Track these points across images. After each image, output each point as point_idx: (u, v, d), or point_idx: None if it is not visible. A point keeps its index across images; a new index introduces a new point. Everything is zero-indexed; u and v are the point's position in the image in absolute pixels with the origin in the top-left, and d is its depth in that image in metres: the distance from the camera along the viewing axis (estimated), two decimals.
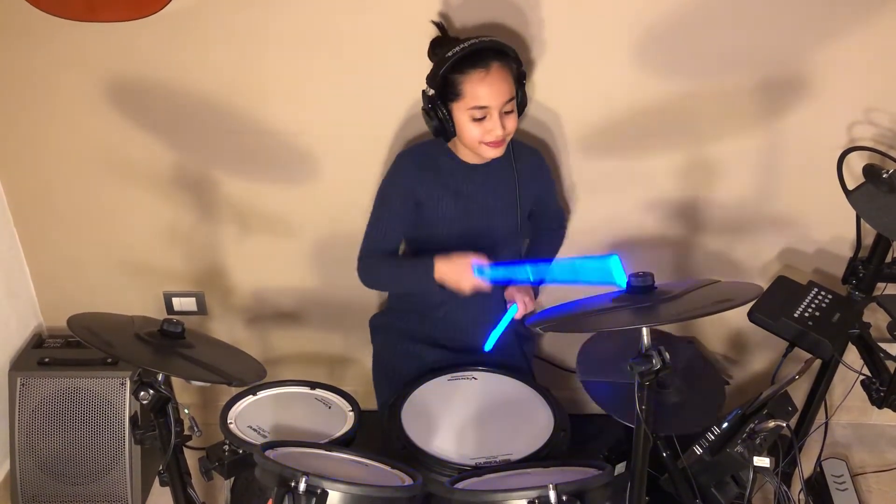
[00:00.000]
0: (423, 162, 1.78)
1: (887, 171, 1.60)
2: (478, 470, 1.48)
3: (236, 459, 1.55)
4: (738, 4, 1.77)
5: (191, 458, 1.54)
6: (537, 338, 2.21)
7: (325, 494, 1.22)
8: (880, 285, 1.81)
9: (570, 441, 1.62)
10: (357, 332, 2.20)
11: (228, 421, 1.63)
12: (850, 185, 1.63)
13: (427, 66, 1.67)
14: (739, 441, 1.48)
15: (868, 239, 1.77)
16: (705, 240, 2.10)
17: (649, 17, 1.79)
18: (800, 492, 1.90)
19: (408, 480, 1.39)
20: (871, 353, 1.77)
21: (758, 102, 1.89)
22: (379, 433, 1.71)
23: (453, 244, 1.73)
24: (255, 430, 1.62)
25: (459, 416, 1.67)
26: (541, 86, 1.88)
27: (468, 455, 1.55)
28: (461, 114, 1.64)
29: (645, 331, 1.31)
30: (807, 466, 2.11)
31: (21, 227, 2.13)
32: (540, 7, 1.79)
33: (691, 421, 1.58)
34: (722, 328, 2.26)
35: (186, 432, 1.51)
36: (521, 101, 1.69)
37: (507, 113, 1.66)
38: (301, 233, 2.12)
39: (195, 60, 1.87)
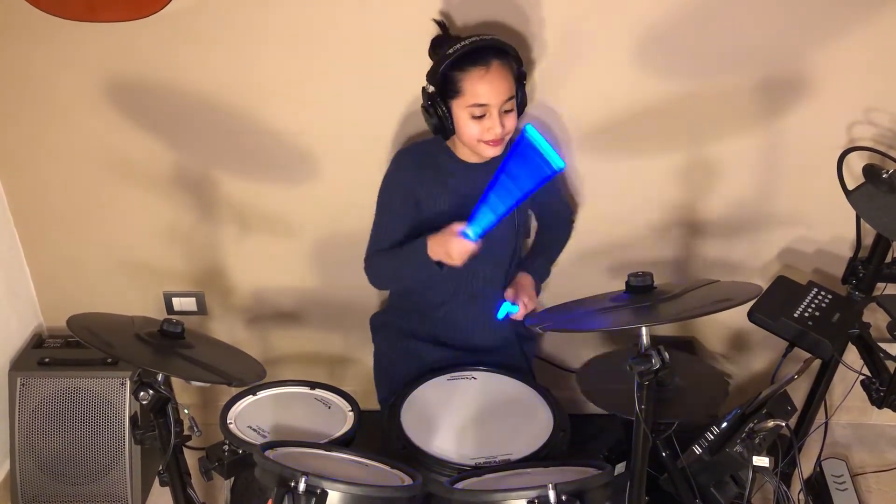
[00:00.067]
0: (423, 160, 1.78)
1: (887, 171, 1.60)
2: (477, 470, 1.48)
3: (236, 459, 1.55)
4: (738, 4, 1.77)
5: (191, 459, 1.54)
6: (537, 338, 2.21)
7: (324, 494, 1.22)
8: (880, 285, 1.81)
9: (569, 441, 1.62)
10: (357, 332, 2.20)
11: (228, 421, 1.63)
12: (850, 185, 1.63)
13: (428, 65, 1.67)
14: (739, 441, 1.48)
15: (868, 239, 1.77)
16: (705, 239, 2.10)
17: (650, 16, 1.79)
18: (799, 492, 1.90)
19: (408, 480, 1.39)
20: (870, 353, 1.77)
21: (758, 102, 1.89)
22: (379, 433, 1.71)
23: None
24: (254, 430, 1.62)
25: (459, 416, 1.67)
26: (541, 85, 1.88)
27: (468, 455, 1.55)
28: (461, 111, 1.64)
29: (644, 330, 1.31)
30: (806, 466, 2.10)
31: (21, 227, 2.13)
32: (541, 6, 1.79)
33: (691, 412, 1.58)
34: (722, 328, 2.26)
35: (186, 432, 1.51)
36: (520, 101, 1.69)
37: (507, 112, 1.66)
38: (301, 233, 2.12)
39: (195, 60, 1.87)
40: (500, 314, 1.81)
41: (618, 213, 2.06)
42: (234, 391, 1.72)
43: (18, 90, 1.92)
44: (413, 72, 1.71)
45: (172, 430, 1.44)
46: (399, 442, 1.59)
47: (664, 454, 1.57)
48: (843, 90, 1.86)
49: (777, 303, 1.75)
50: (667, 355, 1.30)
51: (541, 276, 1.94)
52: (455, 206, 1.78)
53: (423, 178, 1.76)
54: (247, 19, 1.82)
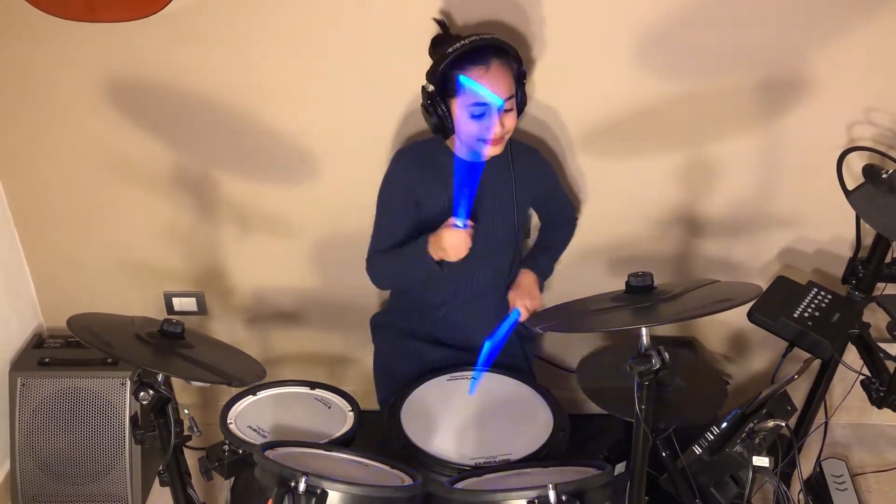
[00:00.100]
0: (422, 160, 1.78)
1: (887, 171, 1.60)
2: (477, 470, 1.48)
3: (236, 459, 1.55)
4: (738, 4, 1.77)
5: (191, 459, 1.54)
6: (537, 338, 2.22)
7: (324, 494, 1.22)
8: (880, 285, 1.81)
9: (569, 441, 1.62)
10: (357, 332, 2.20)
11: (228, 421, 1.63)
12: (850, 186, 1.63)
13: (428, 64, 1.67)
14: (739, 441, 1.48)
15: (868, 239, 1.77)
16: (705, 240, 2.10)
17: (650, 16, 1.79)
18: (799, 492, 1.90)
19: (408, 480, 1.39)
20: (870, 353, 1.77)
21: (758, 102, 1.89)
22: (379, 433, 1.71)
23: None
24: (255, 430, 1.62)
25: (459, 416, 1.67)
26: (541, 84, 1.88)
27: (468, 455, 1.55)
28: (460, 110, 1.65)
29: (644, 331, 1.31)
30: (806, 466, 2.11)
31: (21, 227, 2.13)
32: (541, 5, 1.79)
33: (692, 414, 1.58)
34: (722, 328, 2.26)
35: (186, 432, 1.51)
36: (520, 101, 1.69)
37: (507, 111, 1.66)
38: (301, 233, 2.12)
39: (195, 60, 1.87)
40: (506, 326, 1.78)
41: (617, 213, 2.06)
42: (234, 391, 1.72)
43: (18, 90, 1.92)
44: (413, 71, 1.71)
45: (172, 430, 1.44)
46: (399, 442, 1.59)
47: (664, 454, 1.57)
48: (843, 90, 1.86)
49: (777, 303, 1.75)
50: (667, 355, 1.30)
51: (544, 273, 1.94)
52: (454, 205, 1.77)
53: (423, 178, 1.77)
54: (247, 19, 1.82)
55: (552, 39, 1.83)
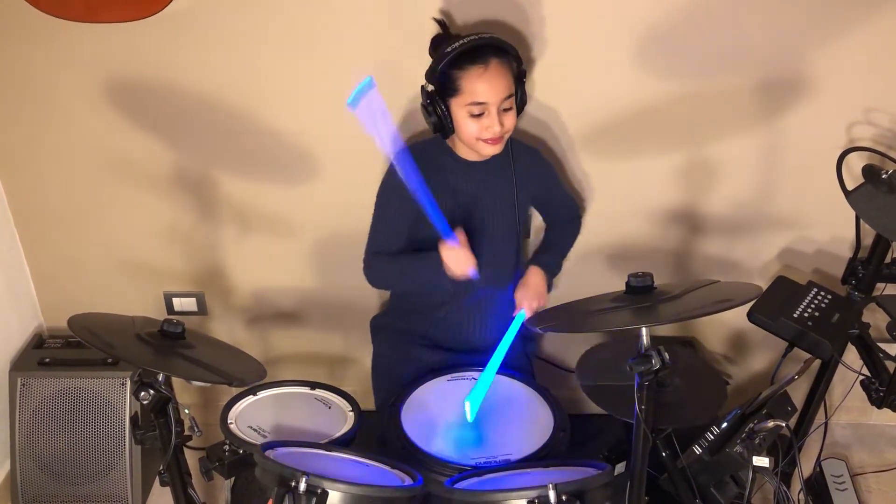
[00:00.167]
0: (422, 159, 1.78)
1: (886, 172, 1.61)
2: (477, 470, 1.48)
3: (236, 459, 1.55)
4: (738, 4, 1.77)
5: (191, 459, 1.54)
6: (538, 338, 2.22)
7: (325, 494, 1.22)
8: (880, 285, 1.81)
9: (570, 441, 1.62)
10: (357, 333, 2.20)
11: (229, 421, 1.63)
12: (850, 186, 1.63)
13: (428, 64, 1.67)
14: (739, 441, 1.48)
15: (867, 239, 1.77)
16: (705, 240, 2.10)
17: (650, 16, 1.79)
18: (799, 492, 1.90)
19: (408, 480, 1.39)
20: (870, 354, 1.77)
21: (758, 102, 1.90)
22: (379, 433, 1.71)
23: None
24: (255, 430, 1.62)
25: (460, 416, 1.67)
26: (541, 84, 1.88)
27: (468, 455, 1.55)
28: (459, 110, 1.64)
29: (644, 331, 1.31)
30: (806, 466, 2.11)
31: (21, 227, 2.13)
32: (541, 5, 1.79)
33: (692, 414, 1.58)
34: (722, 328, 2.26)
35: (187, 432, 1.51)
36: (520, 100, 1.69)
37: (506, 110, 1.66)
38: (301, 233, 2.12)
39: (195, 60, 1.87)
40: (515, 326, 1.77)
41: (617, 213, 2.06)
42: (235, 391, 1.72)
43: (18, 90, 1.92)
44: (413, 71, 1.71)
45: (173, 430, 1.44)
46: (399, 442, 1.59)
47: (664, 454, 1.57)
48: (843, 90, 1.86)
49: (777, 303, 1.75)
50: (667, 355, 1.30)
51: (552, 270, 1.92)
52: (455, 205, 1.78)
53: (424, 178, 1.76)
54: (247, 19, 1.82)
55: (552, 39, 1.83)
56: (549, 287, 1.90)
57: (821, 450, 2.01)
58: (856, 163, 1.75)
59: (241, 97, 1.92)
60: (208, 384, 2.21)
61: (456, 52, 1.60)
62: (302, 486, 1.21)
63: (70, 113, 1.95)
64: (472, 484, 1.42)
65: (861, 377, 1.78)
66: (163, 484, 1.52)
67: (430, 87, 1.64)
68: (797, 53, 1.83)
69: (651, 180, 2.01)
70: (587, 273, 2.12)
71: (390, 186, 1.79)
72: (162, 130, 1.98)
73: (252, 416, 1.67)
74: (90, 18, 1.69)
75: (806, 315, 1.73)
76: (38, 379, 1.99)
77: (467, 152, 1.77)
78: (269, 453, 1.34)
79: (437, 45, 1.70)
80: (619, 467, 1.71)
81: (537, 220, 2.06)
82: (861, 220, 1.69)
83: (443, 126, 1.67)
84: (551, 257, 1.95)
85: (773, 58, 1.84)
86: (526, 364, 1.94)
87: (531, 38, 1.83)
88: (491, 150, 1.69)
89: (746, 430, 1.48)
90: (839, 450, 2.30)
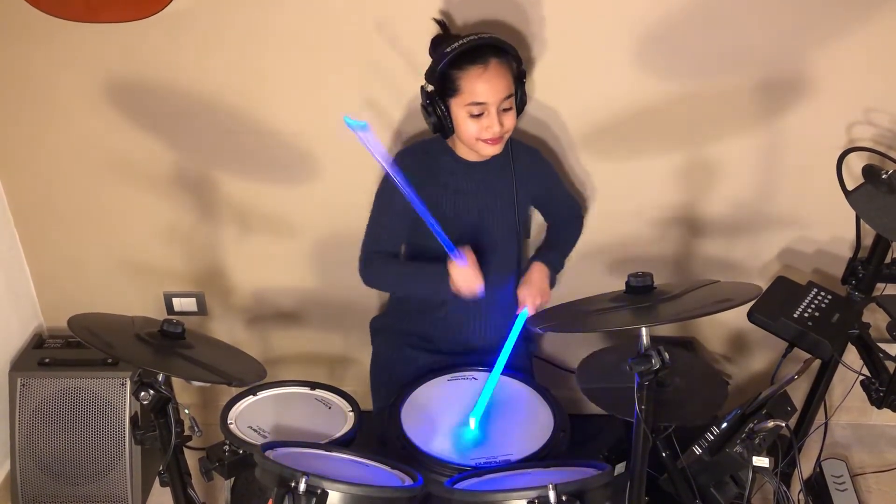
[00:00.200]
0: (423, 160, 1.78)
1: (886, 172, 1.61)
2: (477, 470, 1.48)
3: (236, 460, 1.55)
4: (738, 4, 1.77)
5: (191, 459, 1.54)
6: (538, 338, 2.22)
7: (325, 495, 1.22)
8: (880, 285, 1.81)
9: (570, 441, 1.62)
10: (357, 333, 2.20)
11: (228, 421, 1.63)
12: (850, 186, 1.63)
13: (428, 64, 1.67)
14: (739, 441, 1.48)
15: (867, 239, 1.77)
16: (705, 240, 2.10)
17: (650, 17, 1.79)
18: (799, 492, 1.90)
19: (408, 480, 1.39)
20: (870, 354, 1.77)
21: (758, 102, 1.90)
22: (379, 433, 1.71)
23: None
24: (255, 430, 1.62)
25: (459, 416, 1.67)
26: (541, 84, 1.88)
27: (468, 455, 1.55)
28: (459, 110, 1.64)
29: (644, 331, 1.31)
30: (806, 467, 2.11)
31: (21, 227, 2.13)
32: (541, 5, 1.79)
33: (692, 414, 1.58)
34: (722, 328, 2.26)
35: (187, 432, 1.51)
36: (520, 100, 1.69)
37: (506, 110, 1.66)
38: (301, 233, 2.12)
39: (195, 60, 1.87)
40: (518, 325, 1.77)
41: (617, 213, 2.06)
42: (235, 391, 1.72)
43: (18, 90, 1.92)
44: (413, 71, 1.72)
45: (173, 431, 1.44)
46: (399, 442, 1.59)
47: (664, 454, 1.57)
48: (843, 90, 1.86)
49: (777, 303, 1.75)
50: (667, 355, 1.30)
51: (555, 267, 1.91)
52: (455, 205, 1.78)
53: (425, 178, 1.76)
54: (247, 19, 1.82)
55: (552, 39, 1.83)
56: (552, 284, 1.89)
57: (821, 450, 2.01)
58: (856, 163, 1.75)
59: (241, 97, 1.92)
60: (208, 384, 2.21)
61: (456, 53, 1.60)
62: (302, 487, 1.21)
63: (70, 113, 1.95)
64: (472, 484, 1.41)
65: (861, 377, 1.78)
66: (163, 484, 1.52)
67: (430, 88, 1.64)
68: (797, 53, 1.83)
69: (651, 180, 2.01)
70: (587, 273, 2.12)
71: (392, 185, 1.79)
72: (162, 130, 1.98)
73: (252, 416, 1.67)
74: (90, 18, 1.69)
75: (806, 315, 1.73)
76: (37, 379, 1.99)
77: (467, 152, 1.77)
78: (269, 453, 1.34)
79: (436, 45, 1.70)
80: (619, 467, 1.71)
81: (538, 220, 2.06)
82: (861, 220, 1.69)
83: (443, 126, 1.67)
84: (554, 254, 1.94)
85: (773, 58, 1.84)
86: (526, 364, 1.94)
87: (531, 38, 1.83)
88: (491, 151, 1.69)
89: (746, 430, 1.48)
90: (839, 450, 2.30)
